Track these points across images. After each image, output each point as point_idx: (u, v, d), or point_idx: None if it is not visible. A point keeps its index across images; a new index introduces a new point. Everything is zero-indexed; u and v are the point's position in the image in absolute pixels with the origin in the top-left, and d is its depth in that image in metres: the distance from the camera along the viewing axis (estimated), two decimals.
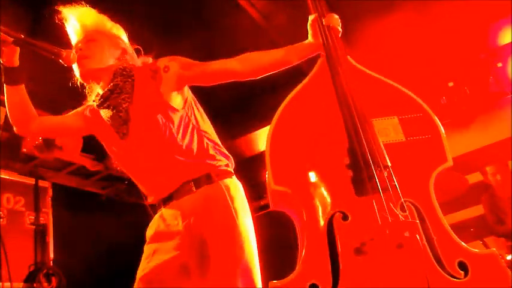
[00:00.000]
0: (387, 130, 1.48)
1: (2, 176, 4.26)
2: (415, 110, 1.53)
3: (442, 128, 1.53)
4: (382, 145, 1.43)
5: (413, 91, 1.61)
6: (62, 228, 4.71)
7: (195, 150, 1.74)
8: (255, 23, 3.97)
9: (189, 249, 1.66)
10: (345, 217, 1.33)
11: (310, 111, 1.52)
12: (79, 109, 1.94)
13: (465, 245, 1.32)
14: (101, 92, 1.82)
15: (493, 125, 5.15)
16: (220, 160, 1.78)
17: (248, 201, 1.78)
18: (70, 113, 1.96)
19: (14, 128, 1.86)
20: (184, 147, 1.73)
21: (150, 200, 1.82)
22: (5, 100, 1.78)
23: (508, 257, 3.69)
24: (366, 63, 1.72)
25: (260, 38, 4.00)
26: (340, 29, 1.78)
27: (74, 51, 1.74)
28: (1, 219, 4.16)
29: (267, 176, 1.43)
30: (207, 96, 2.02)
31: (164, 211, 1.76)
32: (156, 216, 1.80)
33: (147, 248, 1.76)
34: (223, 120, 2.06)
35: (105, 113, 1.80)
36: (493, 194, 4.48)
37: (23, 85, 1.76)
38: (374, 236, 1.26)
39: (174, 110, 1.77)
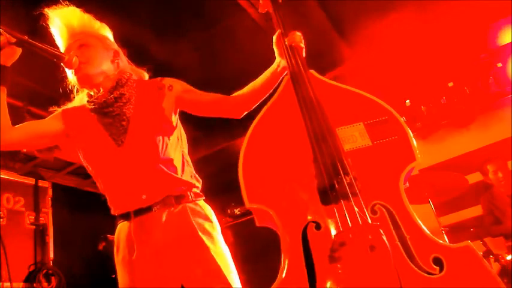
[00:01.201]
0: (354, 137, 1.53)
1: (2, 176, 4.26)
2: (379, 114, 1.57)
3: (407, 128, 1.56)
4: (343, 154, 1.46)
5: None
6: (62, 228, 4.71)
7: (179, 168, 1.82)
8: (255, 23, 3.97)
9: (176, 259, 1.70)
10: (317, 226, 1.37)
11: (279, 129, 1.59)
12: (54, 114, 1.91)
13: (439, 241, 1.34)
14: (92, 94, 1.84)
15: (493, 125, 5.15)
16: (195, 182, 1.86)
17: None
18: (45, 118, 1.92)
19: None
20: (174, 162, 1.80)
21: (120, 210, 1.80)
22: None
23: (508, 257, 3.69)
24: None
25: (260, 38, 4.00)
26: (302, 45, 1.84)
27: (75, 57, 1.74)
28: (1, 219, 4.16)
29: (242, 195, 1.50)
30: None
31: (136, 222, 1.75)
32: (126, 228, 1.78)
33: (125, 265, 1.75)
34: (223, 121, 2.07)
35: (101, 119, 1.80)
36: (492, 194, 4.48)
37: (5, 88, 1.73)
38: (340, 242, 1.30)
39: (172, 126, 1.86)
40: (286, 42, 1.81)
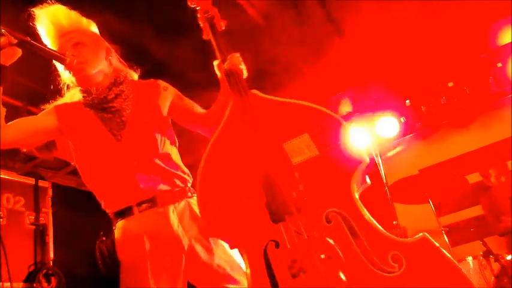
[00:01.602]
0: (301, 149, 1.53)
1: (2, 176, 4.26)
2: (322, 122, 1.56)
3: (351, 130, 1.54)
4: (286, 169, 1.47)
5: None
6: (62, 228, 4.71)
7: (179, 163, 1.88)
8: (255, 23, 3.97)
9: (188, 254, 1.73)
10: (277, 245, 1.40)
11: (229, 155, 1.60)
12: (47, 110, 1.90)
13: (396, 238, 1.36)
14: (88, 91, 1.84)
15: (493, 125, 5.15)
16: (189, 178, 1.89)
17: None
18: (38, 115, 1.90)
19: None
20: (172, 157, 1.84)
21: (120, 205, 1.79)
22: None
23: (508, 257, 3.69)
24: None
25: (260, 38, 4.00)
26: (242, 67, 1.81)
27: (76, 59, 1.74)
28: (1, 219, 4.16)
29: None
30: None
31: (142, 218, 1.75)
32: (130, 225, 1.77)
33: (133, 264, 1.73)
34: None
35: (100, 114, 1.81)
36: (492, 195, 4.48)
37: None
38: (292, 259, 1.34)
39: (168, 123, 1.91)
40: (225, 67, 1.80)
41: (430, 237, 1.33)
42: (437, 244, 1.33)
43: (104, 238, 1.82)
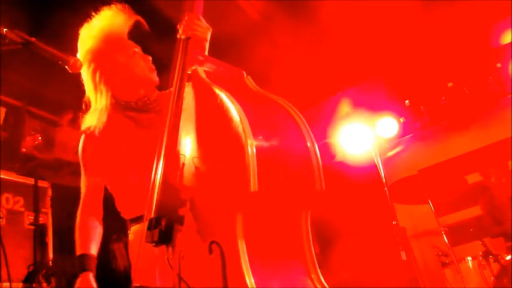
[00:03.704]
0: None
1: (1, 176, 4.25)
2: (222, 131, 1.20)
3: (250, 147, 1.16)
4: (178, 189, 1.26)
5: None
6: (62, 228, 4.70)
7: None
8: (255, 23, 3.97)
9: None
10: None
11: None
12: (93, 174, 1.90)
13: None
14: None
15: (493, 125, 5.15)
16: None
17: None
18: (93, 187, 1.92)
19: None
20: None
21: (135, 213, 1.79)
22: None
23: (508, 257, 3.69)
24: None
25: (260, 38, 4.00)
26: (191, 32, 1.67)
27: (79, 60, 1.76)
28: (0, 220, 4.16)
29: None
30: None
31: None
32: (142, 229, 1.78)
33: (142, 269, 1.70)
34: None
35: (140, 116, 1.86)
36: (491, 196, 4.48)
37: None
38: None
39: None
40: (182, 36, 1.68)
41: None
42: None
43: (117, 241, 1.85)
